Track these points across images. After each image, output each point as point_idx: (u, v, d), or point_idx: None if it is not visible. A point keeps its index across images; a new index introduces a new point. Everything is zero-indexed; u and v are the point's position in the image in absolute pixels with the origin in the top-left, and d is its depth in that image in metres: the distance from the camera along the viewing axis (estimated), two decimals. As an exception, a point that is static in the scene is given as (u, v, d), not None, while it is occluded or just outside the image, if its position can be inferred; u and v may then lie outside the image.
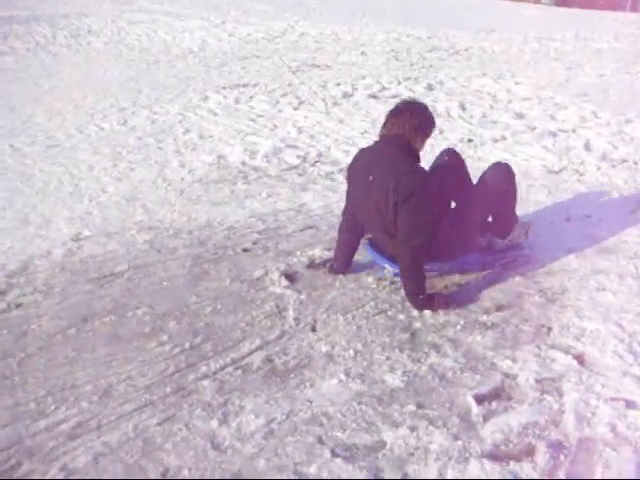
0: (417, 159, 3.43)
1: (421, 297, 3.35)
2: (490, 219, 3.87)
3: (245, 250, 4.05)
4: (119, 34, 13.69)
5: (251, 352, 3.04)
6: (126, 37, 13.39)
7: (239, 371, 2.91)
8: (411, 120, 3.36)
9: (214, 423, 2.60)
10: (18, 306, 3.46)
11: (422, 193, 3.24)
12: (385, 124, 3.45)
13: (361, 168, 3.47)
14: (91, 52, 11.75)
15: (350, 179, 3.61)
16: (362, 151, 3.60)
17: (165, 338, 3.14)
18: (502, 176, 3.79)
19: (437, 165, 3.76)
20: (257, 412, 2.65)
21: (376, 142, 3.50)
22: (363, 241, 3.76)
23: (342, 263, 3.76)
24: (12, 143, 6.27)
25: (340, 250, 3.75)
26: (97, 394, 2.78)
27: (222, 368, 2.93)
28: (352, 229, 3.69)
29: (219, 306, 3.42)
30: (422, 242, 3.27)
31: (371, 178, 3.36)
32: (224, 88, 8.84)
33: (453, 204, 3.74)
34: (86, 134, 6.56)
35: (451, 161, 3.74)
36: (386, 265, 3.63)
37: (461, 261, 3.74)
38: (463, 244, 3.63)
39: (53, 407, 2.72)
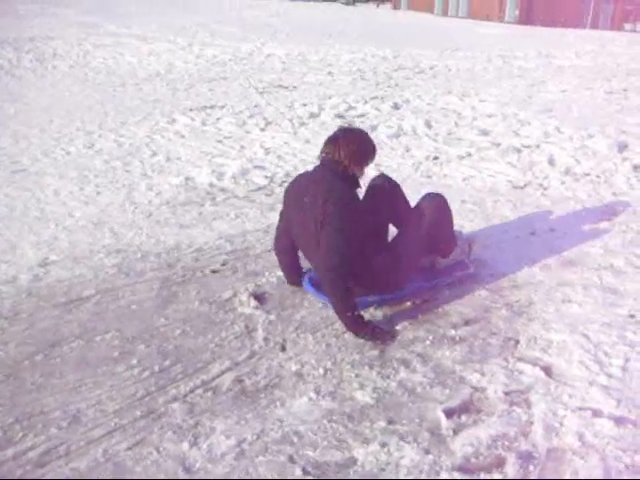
0: (355, 184, 3.47)
1: (349, 315, 3.28)
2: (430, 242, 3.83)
3: (214, 271, 4.05)
4: (85, 57, 13.66)
5: (221, 373, 3.03)
6: (92, 60, 13.37)
7: (209, 393, 2.90)
8: (347, 147, 3.39)
9: (185, 445, 2.58)
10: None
11: (343, 214, 3.27)
12: (322, 150, 3.48)
13: (297, 190, 3.52)
14: (57, 75, 11.70)
15: (286, 202, 3.64)
16: (300, 175, 3.66)
17: (134, 362, 3.12)
18: (436, 204, 3.77)
19: (369, 190, 3.73)
20: (228, 433, 2.64)
21: (315, 167, 3.53)
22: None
23: (293, 279, 3.82)
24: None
25: (285, 270, 3.84)
26: (66, 420, 2.74)
27: (192, 390, 2.91)
28: (288, 249, 3.74)
29: (188, 328, 3.40)
30: (338, 263, 3.24)
31: (306, 200, 3.40)
32: (191, 110, 8.86)
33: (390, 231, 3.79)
34: (52, 158, 6.52)
35: (383, 186, 3.72)
36: (323, 300, 3.58)
37: (406, 289, 3.69)
38: (406, 270, 3.63)
39: (21, 435, 2.67)
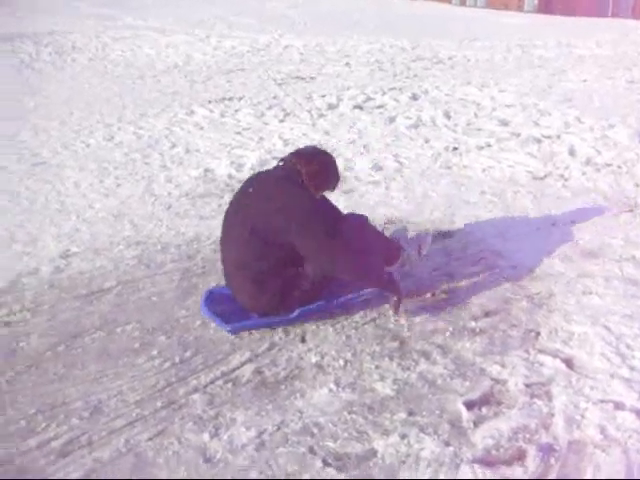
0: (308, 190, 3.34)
1: (385, 278, 3.33)
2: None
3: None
4: (104, 50, 13.71)
5: (241, 365, 3.04)
6: (110, 53, 13.41)
7: (229, 384, 2.91)
8: (309, 166, 3.31)
9: (205, 436, 2.60)
10: (7, 324, 3.45)
11: (303, 203, 3.23)
12: (287, 158, 3.40)
13: (246, 182, 3.48)
14: (76, 68, 11.76)
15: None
16: (256, 173, 3.62)
17: (155, 353, 3.14)
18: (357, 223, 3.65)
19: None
20: (248, 424, 2.65)
21: (274, 167, 3.45)
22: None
23: None
24: (-1, 163, 6.27)
25: None
26: (88, 410, 2.77)
27: (212, 381, 2.93)
28: None
29: (209, 320, 3.42)
30: (330, 246, 3.21)
31: (250, 190, 3.37)
32: (210, 102, 8.87)
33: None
34: (72, 150, 6.56)
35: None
36: (217, 323, 3.34)
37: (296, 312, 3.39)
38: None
39: (44, 425, 2.71)
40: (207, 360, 3.08)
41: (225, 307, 3.39)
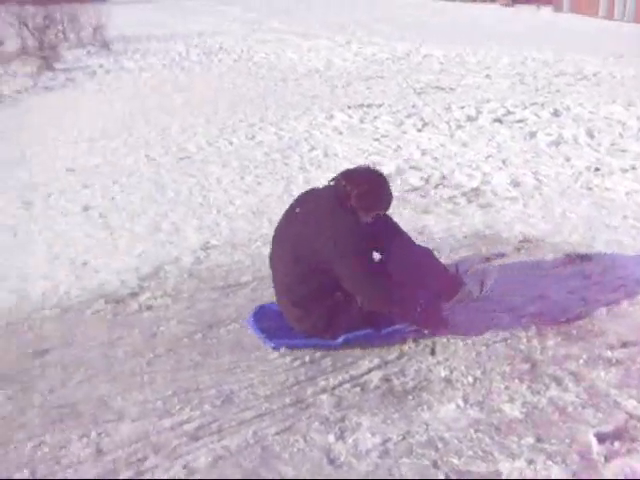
0: (354, 217, 3.21)
1: (417, 313, 3.22)
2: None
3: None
4: (248, 52, 14.15)
5: (370, 370, 3.06)
6: (255, 55, 13.82)
7: (357, 388, 2.94)
8: (358, 187, 3.16)
9: (331, 437, 2.64)
10: (149, 308, 3.66)
11: (343, 238, 3.12)
12: (336, 177, 3.30)
13: (294, 202, 3.42)
14: (222, 68, 12.21)
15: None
16: (307, 190, 3.54)
17: (286, 350, 3.22)
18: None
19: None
20: (373, 430, 2.66)
21: (324, 186, 3.37)
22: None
23: None
24: (148, 153, 6.65)
25: None
26: (220, 399, 2.89)
27: (341, 384, 2.97)
28: None
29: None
30: (365, 285, 3.18)
31: (297, 210, 3.31)
32: (349, 107, 8.96)
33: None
34: (216, 147, 6.83)
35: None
36: (260, 337, 3.32)
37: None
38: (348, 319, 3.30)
39: (178, 407, 2.85)
40: (336, 362, 3.13)
41: (272, 323, 3.35)
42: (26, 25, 13.28)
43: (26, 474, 2.53)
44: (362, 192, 3.16)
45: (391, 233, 3.47)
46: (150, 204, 5.21)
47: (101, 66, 12.03)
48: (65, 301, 3.87)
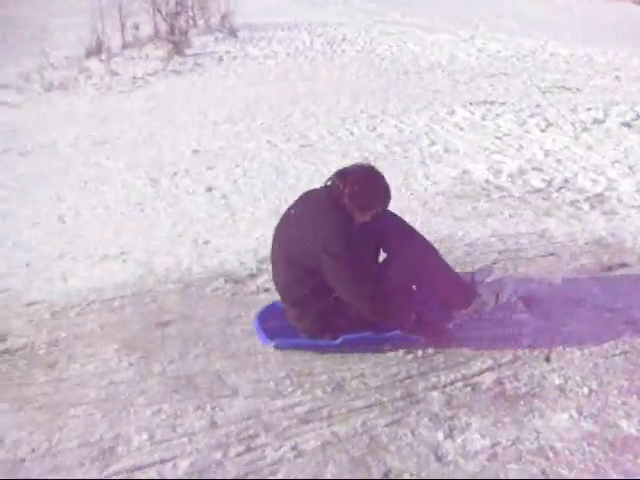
0: (349, 219, 3.13)
1: (409, 323, 3.13)
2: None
3: (484, 268, 4.02)
4: (371, 44, 14.11)
5: (482, 371, 3.01)
6: (377, 47, 13.77)
7: (468, 388, 2.90)
8: (352, 187, 3.07)
9: (439, 435, 2.61)
10: (266, 290, 3.74)
11: (336, 239, 3.05)
12: (331, 178, 3.20)
13: (294, 202, 3.35)
14: (344, 59, 12.24)
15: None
16: (305, 191, 3.45)
17: (400, 343, 3.20)
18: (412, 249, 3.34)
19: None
20: (483, 432, 2.62)
21: (320, 187, 3.28)
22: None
23: None
24: (270, 139, 6.77)
25: None
26: (331, 386, 2.92)
27: (452, 382, 2.94)
28: None
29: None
30: (355, 291, 3.09)
31: (292, 212, 3.26)
32: (471, 104, 8.79)
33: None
34: (337, 137, 6.87)
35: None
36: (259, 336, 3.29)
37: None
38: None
39: (290, 390, 2.90)
40: (448, 360, 3.09)
41: (278, 322, 3.32)
42: (159, 11, 13.78)
43: (144, 437, 2.65)
44: (355, 191, 3.06)
45: (395, 232, 3.34)
46: (271, 189, 5.32)
47: (228, 52, 12.32)
48: (187, 277, 4.01)
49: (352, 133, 7.06)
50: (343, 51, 13.07)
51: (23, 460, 2.57)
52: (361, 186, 3.07)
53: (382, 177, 3.18)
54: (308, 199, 3.27)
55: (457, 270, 3.56)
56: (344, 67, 11.28)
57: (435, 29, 16.97)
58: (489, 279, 3.53)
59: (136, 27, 13.54)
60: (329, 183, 3.18)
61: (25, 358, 3.25)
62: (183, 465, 2.50)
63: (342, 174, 3.13)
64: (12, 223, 5.06)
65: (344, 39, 14.40)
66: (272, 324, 3.33)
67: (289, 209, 3.32)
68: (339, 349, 3.18)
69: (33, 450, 2.62)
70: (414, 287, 3.38)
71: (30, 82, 10.53)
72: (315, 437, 2.62)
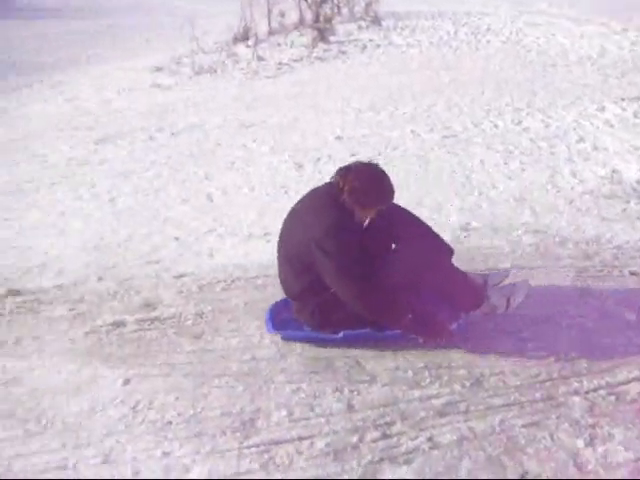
0: (349, 216, 3.10)
1: (404, 322, 3.06)
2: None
3: (633, 274, 3.84)
4: (517, 35, 13.70)
5: (628, 381, 2.89)
6: (524, 38, 13.34)
7: (612, 397, 2.79)
8: (351, 183, 3.04)
9: (579, 442, 2.54)
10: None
11: (331, 239, 3.02)
12: (333, 176, 3.16)
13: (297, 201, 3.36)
14: (489, 50, 11.94)
15: None
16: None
17: (542, 344, 3.14)
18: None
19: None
20: (627, 445, 2.52)
21: (324, 184, 3.26)
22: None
23: None
24: (413, 128, 6.73)
25: None
26: (469, 380, 2.90)
27: (595, 389, 2.84)
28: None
29: (600, 325, 3.31)
30: (347, 288, 3.06)
31: (296, 207, 3.29)
32: (623, 100, 8.35)
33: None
34: (481, 129, 6.73)
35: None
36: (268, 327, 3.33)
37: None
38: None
39: (428, 381, 2.91)
40: (592, 366, 2.99)
41: (289, 315, 3.36)
42: (305, -1, 14.02)
43: (283, 413, 2.74)
44: (354, 187, 3.04)
45: (405, 231, 3.29)
46: (414, 178, 5.31)
47: (371, 40, 12.32)
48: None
49: (496, 125, 6.89)
50: (488, 41, 12.77)
51: (170, 423, 2.74)
52: (361, 183, 3.06)
53: (383, 174, 3.17)
54: (311, 195, 3.30)
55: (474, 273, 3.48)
56: (489, 58, 11.02)
57: (585, 20, 16.24)
58: (503, 283, 3.42)
59: (282, 14, 13.80)
60: (333, 180, 3.18)
61: (173, 327, 3.44)
62: (319, 444, 2.57)
63: (343, 171, 3.14)
64: (164, 199, 5.33)
65: (489, 29, 14.07)
66: (284, 316, 3.37)
67: (295, 204, 3.35)
68: (365, 344, 3.18)
69: (179, 414, 2.78)
70: (420, 286, 3.30)
71: (181, 65, 11.00)
72: (451, 431, 2.62)
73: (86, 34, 15.51)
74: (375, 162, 3.26)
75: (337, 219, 3.05)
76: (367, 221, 3.20)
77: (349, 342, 3.18)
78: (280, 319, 3.36)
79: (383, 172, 3.17)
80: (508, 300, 3.31)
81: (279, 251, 3.33)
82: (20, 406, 2.88)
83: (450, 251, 3.34)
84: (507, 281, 3.43)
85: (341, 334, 3.17)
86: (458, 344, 3.15)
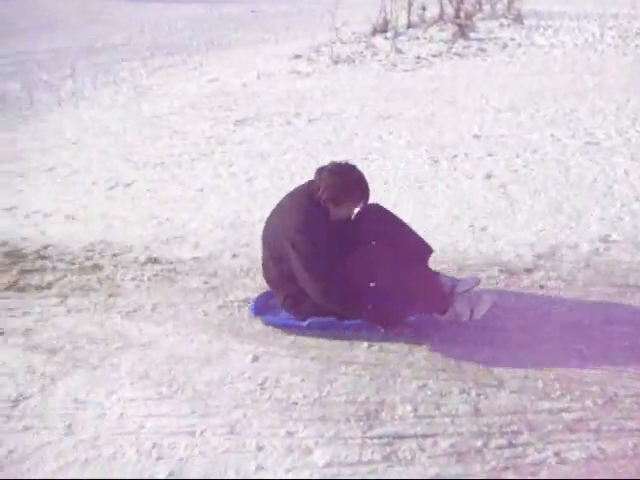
0: (324, 213, 3.29)
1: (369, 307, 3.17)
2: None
3: None
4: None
5: None
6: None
7: None
8: (326, 181, 3.24)
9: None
10: (542, 287, 3.67)
11: (303, 238, 3.20)
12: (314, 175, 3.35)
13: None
14: (638, 55, 11.36)
15: None
16: None
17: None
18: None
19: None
20: None
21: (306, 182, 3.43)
22: None
23: None
24: (553, 133, 6.50)
25: None
26: (602, 398, 2.78)
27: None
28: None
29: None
30: (316, 286, 3.21)
31: (278, 203, 3.46)
32: None
33: None
34: (625, 137, 6.39)
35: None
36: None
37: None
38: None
39: (558, 393, 2.82)
40: None
41: (273, 301, 3.50)
42: (447, -7, 13.81)
43: (408, 408, 2.74)
44: (327, 184, 3.22)
45: (382, 227, 3.39)
46: (552, 184, 5.14)
47: (512, 39, 11.99)
48: (461, 260, 4.04)
49: (642, 134, 6.56)
50: (637, 46, 12.15)
51: (295, 403, 2.80)
52: (333, 180, 3.23)
53: (357, 173, 3.32)
54: (293, 191, 3.46)
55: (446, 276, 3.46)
56: (637, 63, 10.48)
57: None
58: (470, 292, 3.33)
59: (423, 8, 13.69)
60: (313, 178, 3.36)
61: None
62: (443, 444, 2.55)
63: (320, 170, 3.32)
64: (300, 183, 5.37)
65: (638, 34, 13.38)
66: (271, 302, 3.52)
67: (282, 197, 3.52)
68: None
69: (304, 396, 2.84)
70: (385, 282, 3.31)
71: (320, 54, 11.16)
72: (580, 448, 2.52)
73: (236, 20, 16.04)
74: (352, 163, 3.41)
75: (309, 215, 3.24)
76: (342, 218, 3.35)
77: (313, 329, 3.31)
78: (267, 305, 3.52)
79: (357, 171, 3.33)
80: (472, 311, 3.29)
81: (262, 236, 3.50)
82: (154, 369, 3.04)
83: (428, 250, 3.44)
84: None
85: (307, 322, 3.31)
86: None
